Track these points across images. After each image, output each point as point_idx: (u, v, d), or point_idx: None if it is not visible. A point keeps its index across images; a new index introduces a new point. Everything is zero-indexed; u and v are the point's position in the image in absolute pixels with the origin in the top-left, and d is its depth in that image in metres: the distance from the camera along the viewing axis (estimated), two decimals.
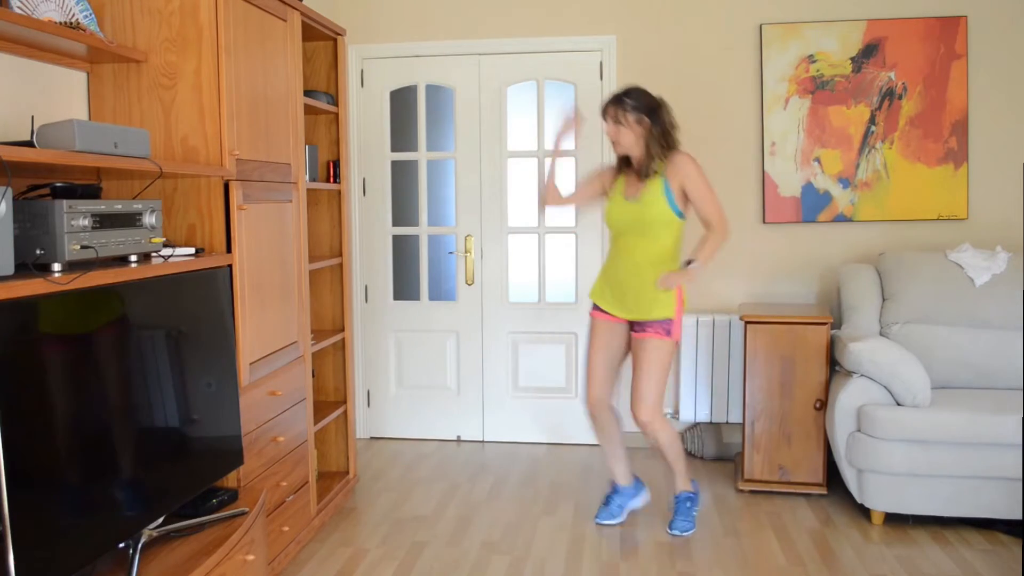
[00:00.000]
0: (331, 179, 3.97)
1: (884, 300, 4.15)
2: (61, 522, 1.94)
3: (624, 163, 3.57)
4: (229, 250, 2.81)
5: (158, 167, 2.35)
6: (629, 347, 3.63)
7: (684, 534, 3.56)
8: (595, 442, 4.84)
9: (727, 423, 4.59)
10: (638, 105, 3.41)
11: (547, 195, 3.71)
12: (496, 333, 4.91)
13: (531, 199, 4.83)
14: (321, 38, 3.87)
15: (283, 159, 3.27)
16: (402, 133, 4.94)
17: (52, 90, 2.66)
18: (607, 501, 3.73)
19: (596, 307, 3.65)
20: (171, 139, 2.78)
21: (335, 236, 4.00)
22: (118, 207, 2.26)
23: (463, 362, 4.95)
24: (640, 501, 3.78)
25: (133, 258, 2.37)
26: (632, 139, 3.44)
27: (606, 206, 3.60)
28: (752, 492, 4.05)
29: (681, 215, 3.47)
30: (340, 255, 3.98)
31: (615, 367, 3.66)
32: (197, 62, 2.75)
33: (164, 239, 2.50)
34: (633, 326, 3.56)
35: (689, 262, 3.44)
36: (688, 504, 3.64)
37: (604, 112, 3.47)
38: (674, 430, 3.59)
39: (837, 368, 3.95)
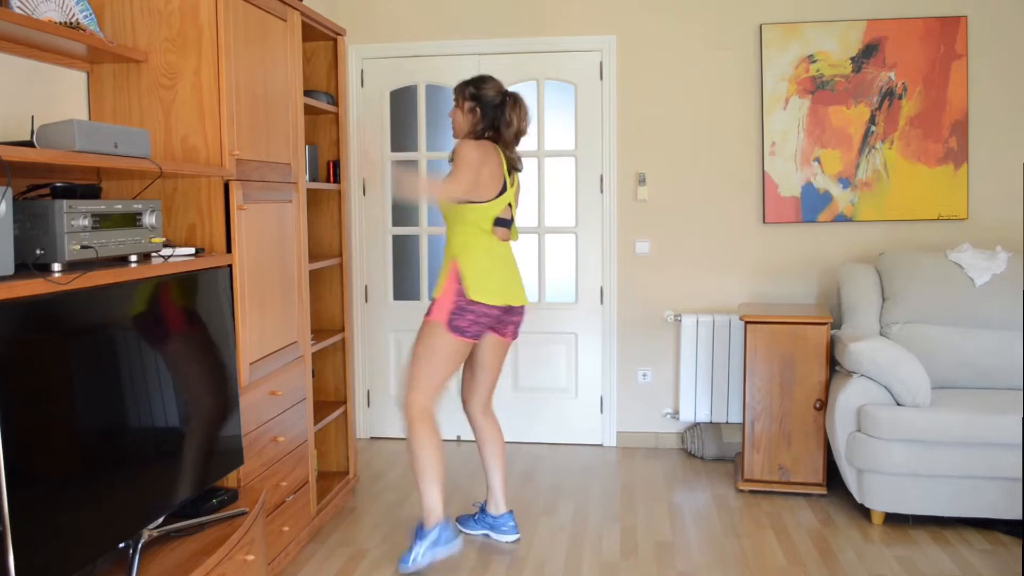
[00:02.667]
0: (331, 179, 3.97)
1: (884, 300, 4.15)
2: (61, 522, 1.94)
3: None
4: (229, 250, 2.81)
5: (158, 167, 2.35)
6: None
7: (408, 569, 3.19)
8: (595, 442, 4.85)
9: (727, 423, 4.59)
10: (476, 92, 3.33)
11: (432, 190, 3.55)
12: None
13: (530, 199, 4.83)
14: (321, 38, 3.87)
15: (283, 159, 3.27)
16: (402, 133, 4.94)
17: (52, 90, 2.66)
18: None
19: (498, 316, 3.42)
20: (171, 139, 2.78)
21: (335, 236, 4.00)
22: (118, 207, 2.26)
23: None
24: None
25: (133, 258, 2.37)
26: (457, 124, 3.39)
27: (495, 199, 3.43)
28: (752, 492, 4.05)
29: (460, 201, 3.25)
30: (340, 255, 3.98)
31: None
32: (197, 62, 2.75)
33: (164, 239, 2.50)
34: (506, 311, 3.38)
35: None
36: (420, 535, 3.23)
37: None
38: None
39: (837, 368, 3.95)
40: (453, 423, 4.99)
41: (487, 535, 3.54)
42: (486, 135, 3.33)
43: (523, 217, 4.86)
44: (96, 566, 2.21)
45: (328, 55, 3.96)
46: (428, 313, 3.28)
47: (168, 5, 2.74)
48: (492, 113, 3.32)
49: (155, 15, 2.75)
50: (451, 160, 3.30)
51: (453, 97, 3.39)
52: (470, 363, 3.48)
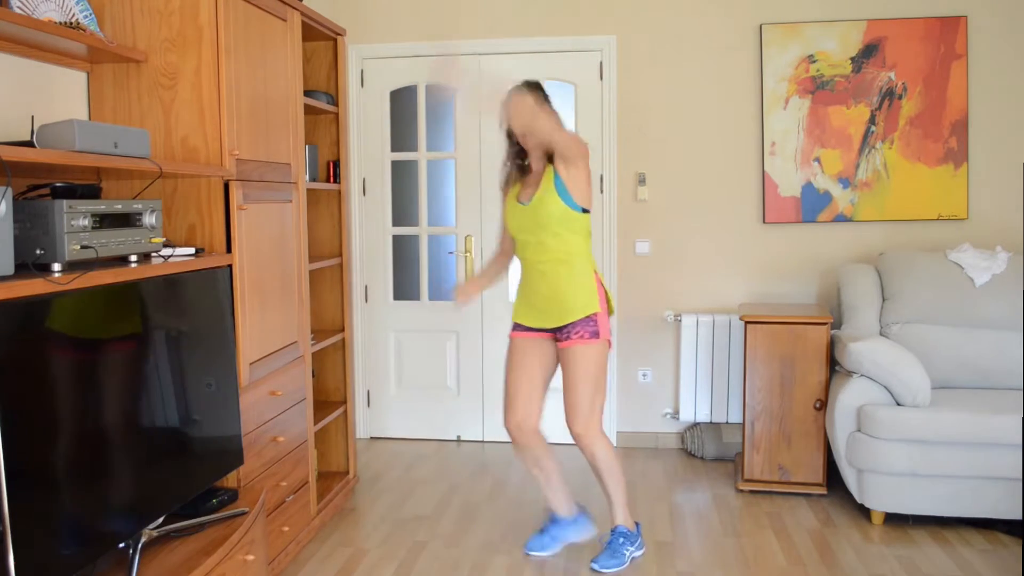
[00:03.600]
0: (331, 179, 3.97)
1: (884, 300, 4.15)
2: (61, 522, 1.94)
3: (518, 171, 3.33)
4: (229, 250, 2.81)
5: (158, 167, 2.35)
6: (555, 361, 3.33)
7: (605, 571, 3.21)
8: None
9: (727, 423, 4.59)
10: (541, 98, 3.20)
11: (473, 288, 3.39)
12: (496, 333, 4.90)
13: None
14: (321, 38, 3.87)
15: (283, 159, 3.27)
16: (402, 133, 4.94)
17: (52, 90, 2.66)
18: (542, 530, 3.44)
19: (516, 326, 3.35)
20: (171, 139, 2.78)
21: (335, 236, 4.00)
22: (118, 207, 2.26)
23: (463, 362, 4.95)
24: (582, 534, 3.43)
25: (133, 258, 2.37)
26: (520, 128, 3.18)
27: (504, 215, 3.34)
28: (752, 492, 4.05)
29: (581, 209, 3.17)
30: (340, 255, 3.98)
31: (539, 387, 3.32)
32: (197, 62, 2.75)
33: (164, 239, 2.50)
34: (557, 337, 3.25)
35: None
36: (621, 541, 3.28)
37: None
38: (613, 451, 3.27)
39: (837, 368, 3.95)
40: (453, 423, 4.99)
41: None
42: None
43: None
44: (96, 566, 2.20)
45: (328, 55, 3.96)
46: (594, 335, 3.16)
47: (168, 5, 2.74)
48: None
49: (155, 15, 2.75)
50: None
51: (519, 94, 3.13)
52: (536, 382, 3.33)
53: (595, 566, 3.23)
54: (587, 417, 3.20)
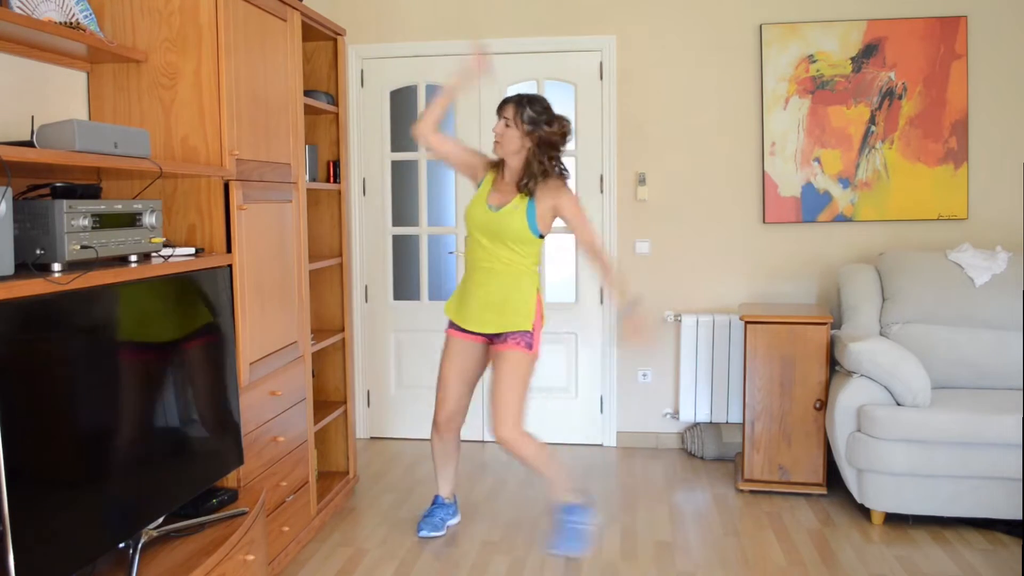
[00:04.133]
0: (331, 179, 3.97)
1: (884, 300, 4.15)
2: (61, 522, 1.94)
3: (501, 164, 3.40)
4: (229, 250, 2.81)
5: (158, 167, 2.35)
6: (485, 364, 3.48)
7: (568, 554, 3.31)
8: (595, 442, 4.84)
9: (727, 423, 4.59)
10: (536, 117, 3.23)
11: (424, 121, 3.34)
12: None
13: None
14: (321, 38, 3.87)
15: (283, 159, 3.27)
16: (402, 133, 4.94)
17: (52, 90, 2.66)
18: (431, 513, 3.60)
19: (452, 324, 3.48)
20: (171, 139, 2.78)
21: (335, 236, 4.00)
22: (118, 207, 2.26)
23: None
24: (456, 519, 3.70)
25: (133, 258, 2.37)
26: (515, 147, 3.27)
27: (468, 205, 3.41)
28: (752, 492, 4.05)
29: (540, 235, 3.32)
30: (340, 255, 3.98)
31: (470, 386, 3.52)
32: (197, 62, 2.75)
33: (164, 239, 2.50)
34: (492, 339, 3.38)
35: (628, 305, 3.44)
36: (565, 516, 3.39)
37: (501, 107, 3.31)
38: (536, 440, 3.37)
39: (837, 368, 3.95)
40: None
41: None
42: (548, 165, 3.32)
43: None
44: (96, 566, 2.20)
45: (328, 55, 3.96)
46: (528, 346, 3.31)
47: (168, 5, 2.74)
48: (553, 141, 3.31)
49: (155, 15, 2.75)
50: (517, 191, 3.30)
51: (504, 114, 3.30)
52: (470, 381, 3.55)
53: (552, 550, 3.36)
54: (515, 421, 3.32)
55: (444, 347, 3.52)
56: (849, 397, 3.67)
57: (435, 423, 3.57)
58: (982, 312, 3.97)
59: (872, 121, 4.47)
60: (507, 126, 3.28)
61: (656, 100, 4.66)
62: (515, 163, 3.32)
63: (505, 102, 3.32)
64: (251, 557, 2.59)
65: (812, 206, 4.55)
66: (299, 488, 3.37)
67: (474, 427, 4.97)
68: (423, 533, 3.55)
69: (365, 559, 3.36)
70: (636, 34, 4.66)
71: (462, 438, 4.96)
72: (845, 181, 4.51)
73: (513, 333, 3.32)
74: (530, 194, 3.27)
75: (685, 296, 4.72)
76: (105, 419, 2.12)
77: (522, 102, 3.27)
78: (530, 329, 3.32)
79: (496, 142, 3.34)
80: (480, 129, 4.82)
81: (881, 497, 3.58)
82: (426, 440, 4.98)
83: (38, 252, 2.03)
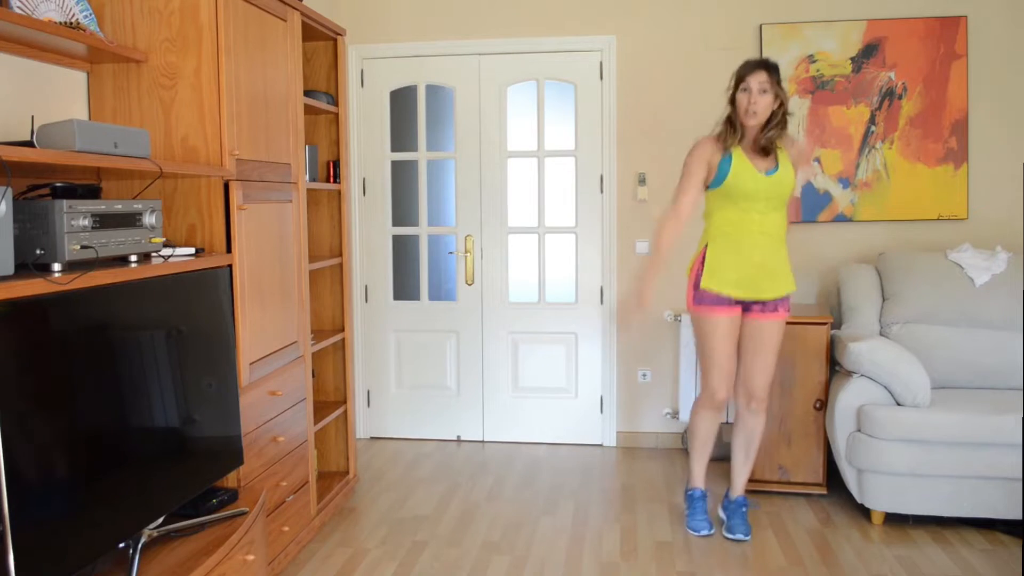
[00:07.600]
0: (331, 179, 3.97)
1: (884, 300, 4.15)
2: (61, 522, 1.94)
3: (729, 135, 3.35)
4: (229, 250, 2.81)
5: (158, 167, 2.35)
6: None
7: (746, 538, 3.50)
8: (595, 442, 4.84)
9: (727, 423, 4.59)
10: (780, 76, 3.33)
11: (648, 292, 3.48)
12: (496, 333, 4.91)
13: (530, 199, 4.83)
14: (321, 38, 3.87)
15: (283, 159, 3.27)
16: (402, 133, 4.94)
17: (52, 90, 2.66)
18: (700, 510, 3.63)
19: (718, 299, 3.40)
20: (171, 139, 2.78)
21: (335, 236, 4.00)
22: (118, 207, 2.26)
23: (463, 362, 4.95)
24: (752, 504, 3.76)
25: (133, 258, 2.37)
26: (769, 110, 3.29)
27: (729, 179, 3.32)
28: (752, 492, 4.04)
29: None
30: (340, 255, 3.98)
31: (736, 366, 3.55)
32: (197, 62, 2.75)
33: (164, 239, 2.50)
34: (752, 307, 3.43)
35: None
36: (747, 504, 3.65)
37: (749, 77, 3.27)
38: None
39: (837, 368, 3.95)
40: (453, 423, 4.99)
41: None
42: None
43: (523, 217, 4.86)
44: (96, 566, 2.20)
45: (328, 55, 3.96)
46: (788, 312, 3.47)
47: (168, 5, 2.74)
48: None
49: (155, 15, 2.75)
50: (767, 152, 3.34)
51: (756, 82, 3.27)
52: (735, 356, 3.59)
53: (737, 535, 3.51)
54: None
55: (708, 326, 3.43)
56: (849, 397, 3.67)
57: (712, 403, 3.52)
58: (982, 312, 3.97)
59: (872, 121, 4.47)
60: (763, 91, 3.27)
61: (656, 100, 4.66)
62: (753, 125, 3.33)
63: (753, 69, 3.28)
64: (251, 557, 2.59)
65: (812, 206, 4.55)
66: (299, 488, 3.37)
67: (475, 427, 4.97)
68: (699, 532, 3.58)
69: (365, 559, 3.36)
70: (636, 34, 4.66)
71: (461, 438, 5.00)
72: (845, 181, 4.51)
73: (783, 299, 3.45)
74: (782, 147, 3.37)
75: (685, 296, 4.70)
76: (105, 419, 2.12)
77: (770, 67, 3.29)
78: (794, 291, 3.49)
79: (751, 112, 3.28)
80: (480, 129, 4.82)
81: (881, 497, 3.58)
82: (426, 440, 4.99)
83: (38, 252, 2.03)
